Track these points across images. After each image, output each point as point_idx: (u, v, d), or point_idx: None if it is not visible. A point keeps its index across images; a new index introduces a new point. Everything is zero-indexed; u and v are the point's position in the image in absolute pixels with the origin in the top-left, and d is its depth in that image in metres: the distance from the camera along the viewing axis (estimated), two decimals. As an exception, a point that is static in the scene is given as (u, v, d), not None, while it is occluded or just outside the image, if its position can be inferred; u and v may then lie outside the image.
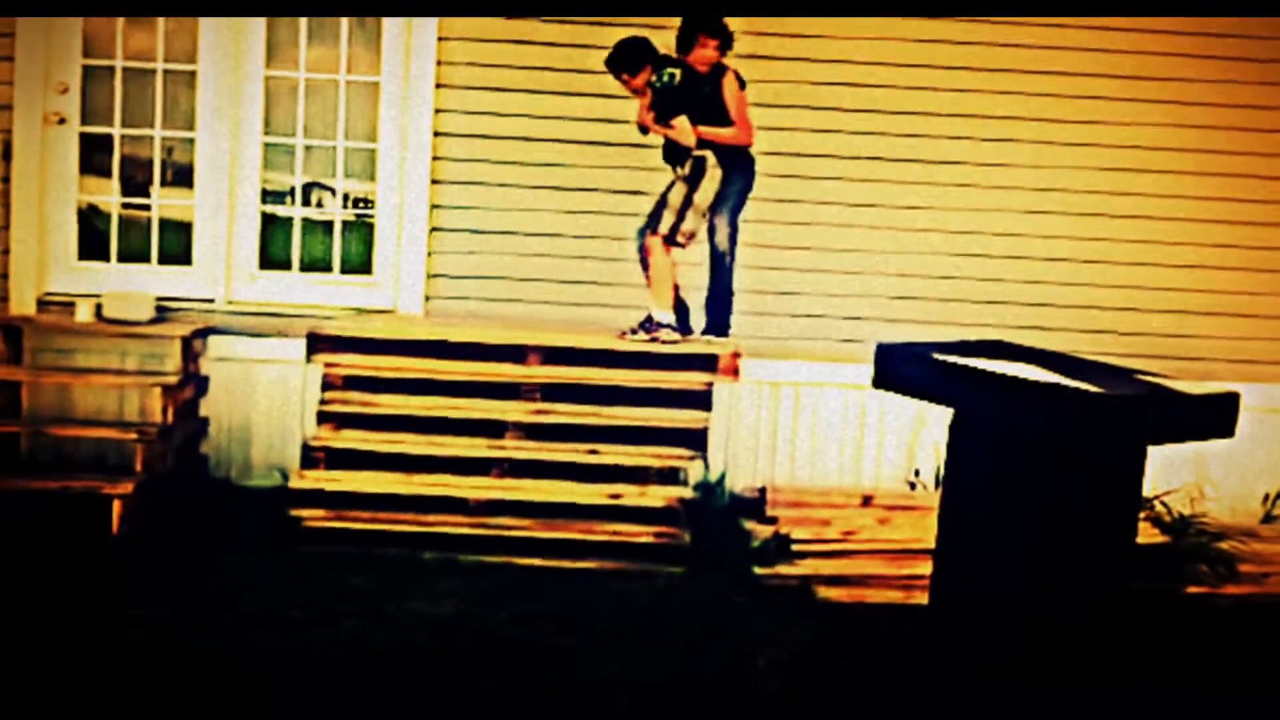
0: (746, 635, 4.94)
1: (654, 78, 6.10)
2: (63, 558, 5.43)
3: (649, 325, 6.18)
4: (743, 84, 6.20)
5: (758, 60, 6.60)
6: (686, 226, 6.13)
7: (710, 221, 6.22)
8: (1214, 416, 4.61)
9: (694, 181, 6.10)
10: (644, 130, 6.27)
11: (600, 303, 6.84)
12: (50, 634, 4.62)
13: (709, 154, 6.10)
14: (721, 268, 6.29)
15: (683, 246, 6.18)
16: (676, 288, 6.29)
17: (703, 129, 6.10)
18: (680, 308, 6.31)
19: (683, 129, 6.09)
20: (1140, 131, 6.95)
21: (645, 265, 6.29)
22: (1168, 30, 6.87)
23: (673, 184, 6.19)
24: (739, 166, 6.20)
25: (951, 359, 4.75)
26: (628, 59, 6.13)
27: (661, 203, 6.19)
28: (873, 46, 6.84)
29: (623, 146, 6.74)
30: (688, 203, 6.10)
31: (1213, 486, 6.93)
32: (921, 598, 5.18)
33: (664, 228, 6.12)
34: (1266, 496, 6.97)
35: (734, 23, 6.20)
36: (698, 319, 6.37)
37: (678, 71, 6.08)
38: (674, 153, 6.21)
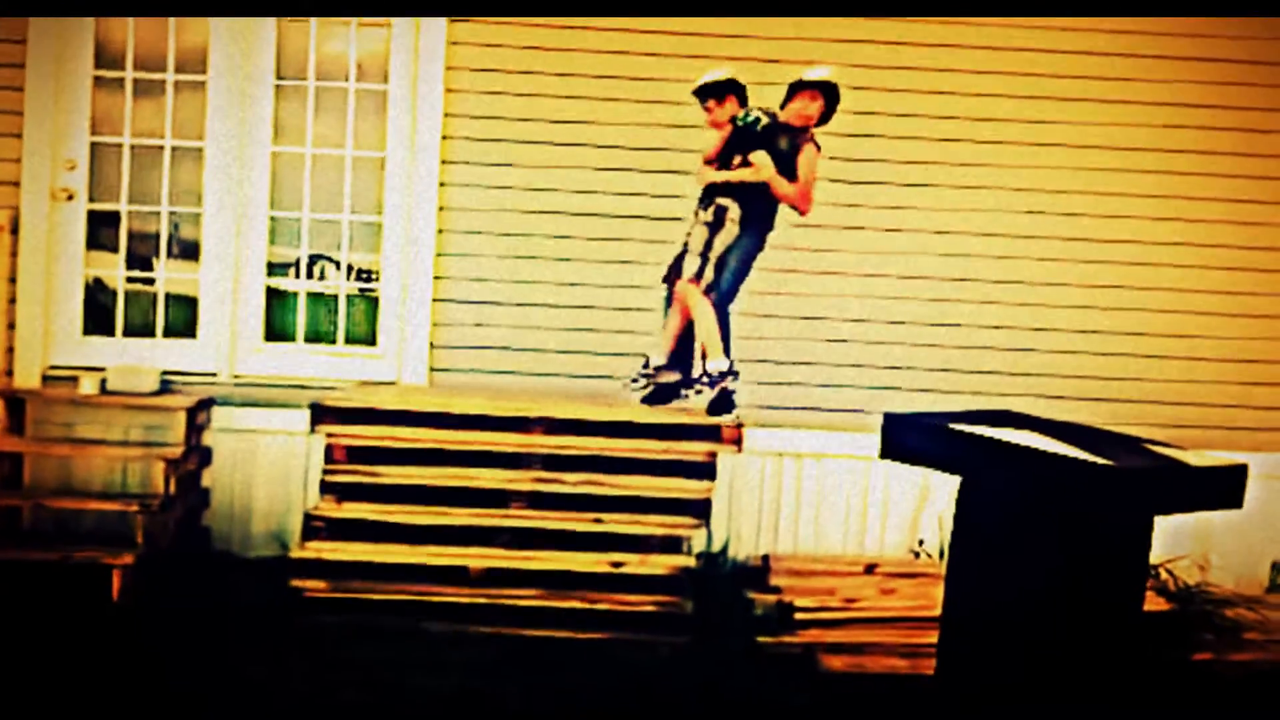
0: (750, 705, 4.90)
1: (741, 113, 6.12)
2: (63, 629, 5.40)
3: (710, 380, 6.03)
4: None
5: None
6: (709, 273, 6.04)
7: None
8: (1222, 488, 4.61)
9: (714, 228, 6.08)
10: (711, 163, 6.18)
11: (605, 373, 6.86)
12: (47, 707, 4.59)
13: (732, 205, 6.11)
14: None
15: (709, 295, 6.06)
16: (678, 339, 6.20)
17: (774, 175, 6.07)
18: (684, 357, 6.24)
19: (762, 163, 6.04)
20: (1152, 203, 7.02)
21: (668, 311, 6.22)
22: (1170, 79, 6.98)
23: (693, 228, 6.16)
24: (755, 230, 6.15)
25: (960, 428, 4.76)
26: (719, 88, 6.13)
27: (684, 250, 6.17)
28: (866, 120, 6.93)
29: (626, 219, 6.83)
30: (709, 246, 6.06)
31: (1219, 555, 6.90)
32: (925, 667, 5.14)
33: (690, 271, 6.04)
34: (1274, 565, 6.94)
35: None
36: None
37: (765, 118, 6.11)
38: (710, 193, 6.15)
